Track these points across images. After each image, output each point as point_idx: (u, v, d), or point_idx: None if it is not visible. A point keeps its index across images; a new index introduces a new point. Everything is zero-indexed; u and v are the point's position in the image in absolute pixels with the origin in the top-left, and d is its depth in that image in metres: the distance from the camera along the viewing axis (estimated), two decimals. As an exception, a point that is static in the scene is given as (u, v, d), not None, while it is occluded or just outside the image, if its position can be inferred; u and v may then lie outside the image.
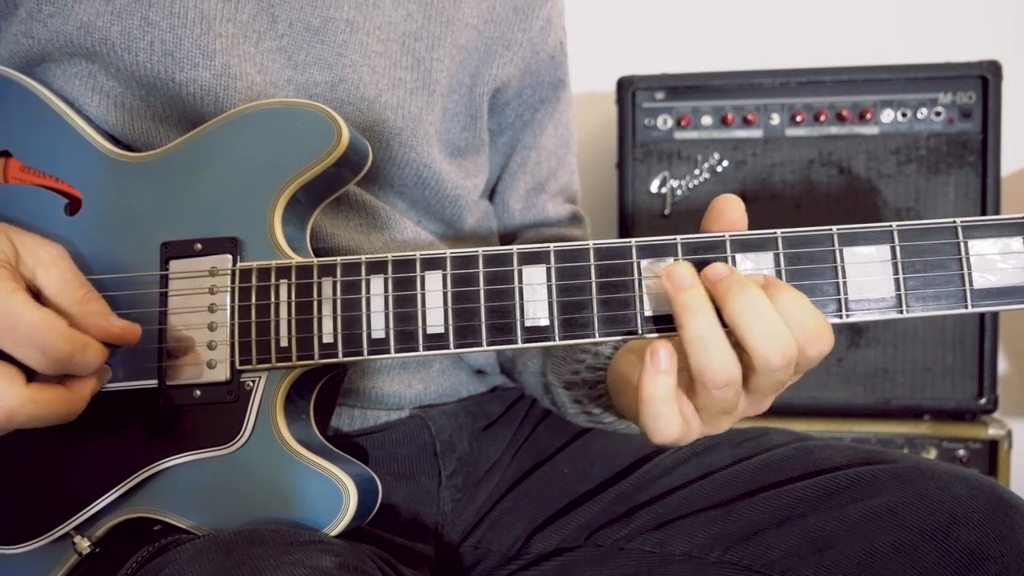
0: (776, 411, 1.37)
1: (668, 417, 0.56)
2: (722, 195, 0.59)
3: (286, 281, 0.63)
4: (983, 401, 1.33)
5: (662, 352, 0.55)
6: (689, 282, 0.55)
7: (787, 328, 0.53)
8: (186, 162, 0.68)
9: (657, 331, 0.58)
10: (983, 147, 1.33)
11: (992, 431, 1.31)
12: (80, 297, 0.60)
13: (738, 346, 0.54)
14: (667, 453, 0.80)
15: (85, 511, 0.64)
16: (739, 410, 0.58)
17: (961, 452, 1.31)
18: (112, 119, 0.72)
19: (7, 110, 0.71)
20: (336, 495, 0.62)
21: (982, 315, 1.33)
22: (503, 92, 0.89)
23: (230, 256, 0.65)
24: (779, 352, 0.53)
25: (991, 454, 1.31)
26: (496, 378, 0.92)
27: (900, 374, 1.35)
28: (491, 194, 0.96)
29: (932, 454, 1.31)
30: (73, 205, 0.69)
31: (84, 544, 0.64)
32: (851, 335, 1.36)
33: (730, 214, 0.58)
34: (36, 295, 0.60)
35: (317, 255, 0.67)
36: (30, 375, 0.57)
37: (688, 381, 0.56)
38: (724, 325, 0.55)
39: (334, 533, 0.62)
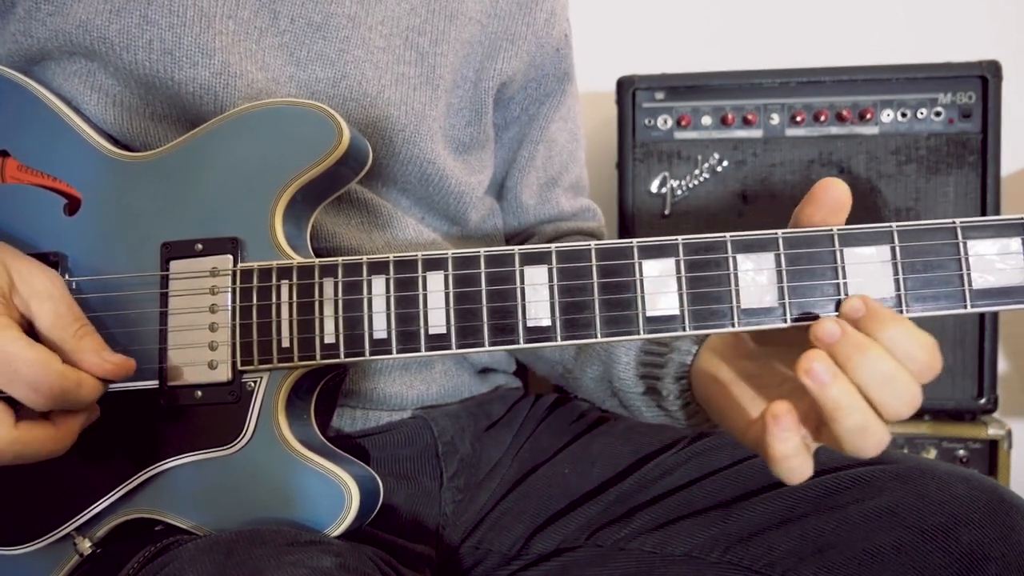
0: (776, 411, 1.38)
1: (803, 467, 0.55)
2: (823, 180, 0.57)
3: (287, 281, 0.63)
4: (983, 401, 1.33)
5: (785, 417, 0.53)
6: (830, 378, 0.51)
7: (904, 372, 0.51)
8: (186, 162, 0.67)
9: (656, 331, 0.58)
10: (983, 147, 1.33)
11: (992, 431, 1.31)
12: (74, 332, 0.60)
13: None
14: (667, 453, 0.80)
15: (87, 512, 0.64)
16: None
17: (961, 452, 1.31)
18: (110, 118, 0.72)
19: (5, 109, 0.71)
20: (338, 495, 0.62)
21: (982, 315, 1.32)
22: (508, 87, 0.89)
23: (231, 256, 0.65)
24: (907, 406, 0.52)
25: (991, 454, 1.31)
26: (498, 378, 0.92)
27: (900, 374, 1.34)
28: (501, 191, 0.95)
29: (932, 454, 1.31)
30: (72, 205, 0.68)
31: (85, 545, 0.64)
32: (851, 335, 1.36)
33: (830, 199, 0.56)
34: (29, 326, 0.59)
35: (318, 254, 0.67)
36: (18, 410, 0.57)
37: (814, 420, 0.55)
38: None
39: (336, 533, 0.62)
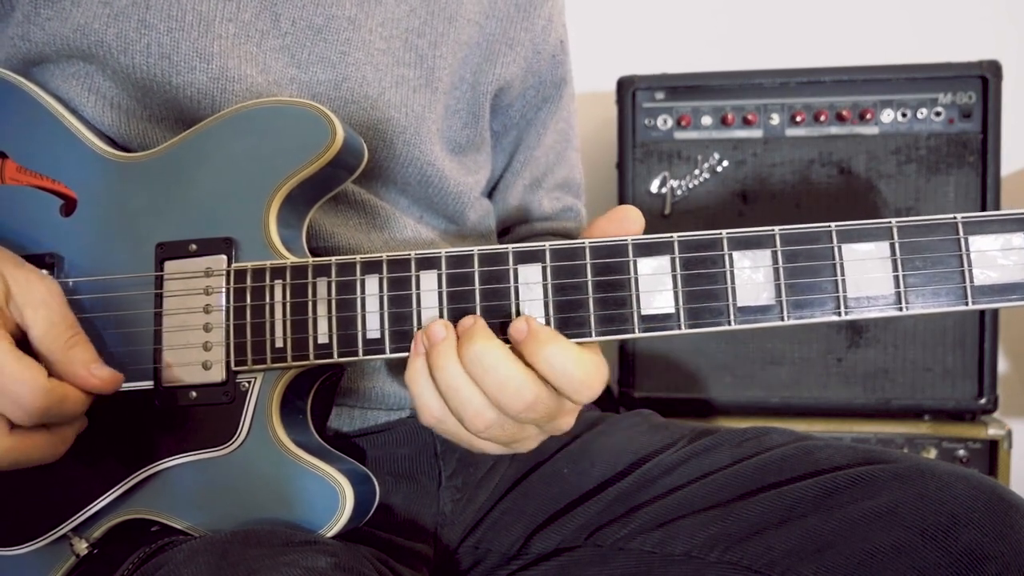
0: (776, 411, 1.38)
1: (424, 396, 0.59)
2: (625, 205, 0.61)
3: (281, 281, 0.63)
4: (983, 401, 1.32)
5: (418, 335, 0.59)
6: (442, 336, 0.58)
7: (523, 377, 0.56)
8: (181, 162, 0.67)
9: (652, 330, 0.58)
10: (983, 147, 1.33)
11: (992, 431, 1.30)
12: (65, 342, 0.59)
13: None
14: (666, 453, 0.79)
15: (83, 513, 0.64)
16: (532, 435, 0.62)
17: (961, 452, 1.31)
18: (107, 120, 0.72)
19: (4, 112, 0.71)
20: (333, 496, 0.62)
21: (982, 315, 1.32)
22: (506, 92, 0.89)
23: (225, 257, 0.65)
24: (515, 402, 0.56)
25: (991, 454, 1.31)
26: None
27: (900, 374, 1.34)
28: (492, 191, 0.96)
29: (932, 454, 1.31)
30: (68, 206, 0.68)
31: (82, 546, 0.64)
32: (851, 335, 1.36)
33: (631, 224, 0.60)
34: (22, 333, 0.59)
35: (317, 254, 0.67)
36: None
37: None
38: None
39: (331, 534, 0.62)
